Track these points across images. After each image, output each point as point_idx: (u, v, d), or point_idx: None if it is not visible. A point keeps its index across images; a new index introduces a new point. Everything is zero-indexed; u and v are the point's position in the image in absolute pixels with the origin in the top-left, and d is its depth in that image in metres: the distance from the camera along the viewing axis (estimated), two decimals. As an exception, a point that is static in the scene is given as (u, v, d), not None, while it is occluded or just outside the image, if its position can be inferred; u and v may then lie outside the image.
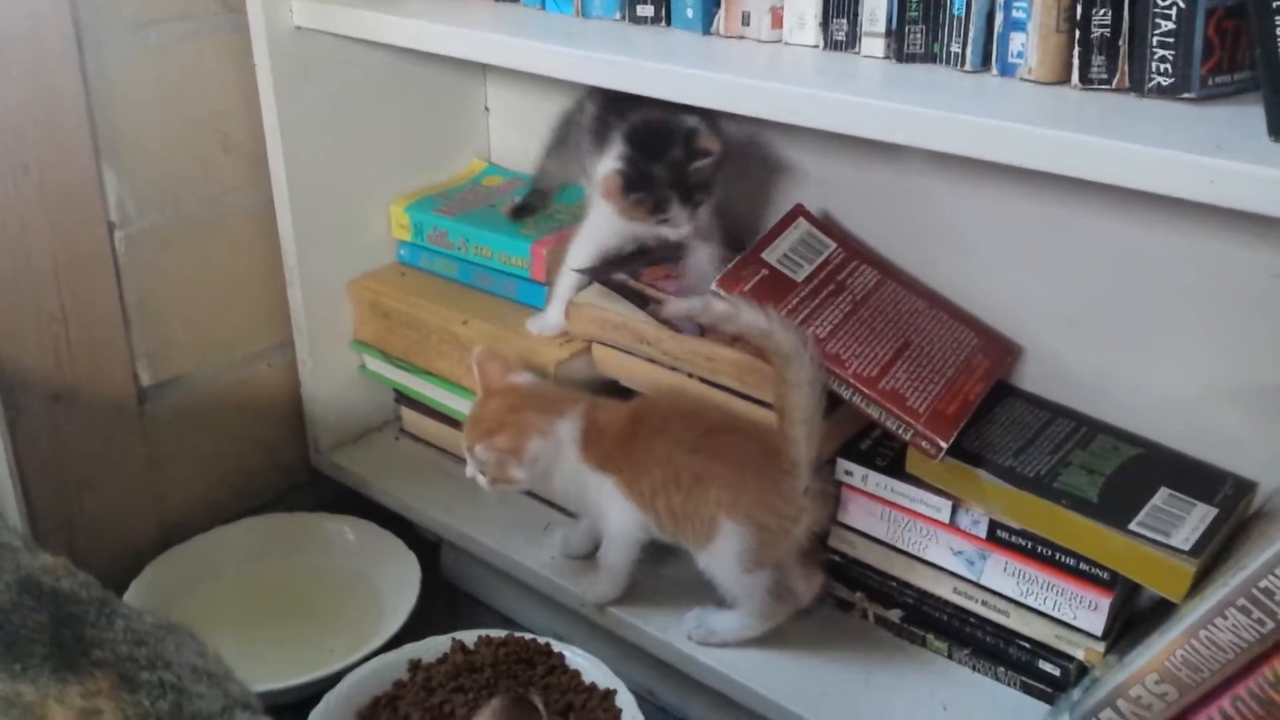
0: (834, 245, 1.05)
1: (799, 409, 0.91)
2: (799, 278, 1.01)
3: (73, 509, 1.16)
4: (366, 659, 1.04)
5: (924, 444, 0.92)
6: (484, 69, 1.33)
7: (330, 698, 0.99)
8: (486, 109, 1.35)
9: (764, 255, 1.01)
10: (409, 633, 1.08)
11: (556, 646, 1.04)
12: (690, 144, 1.00)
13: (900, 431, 0.93)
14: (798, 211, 1.06)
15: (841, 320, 0.99)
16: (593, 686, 1.01)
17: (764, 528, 0.93)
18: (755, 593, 0.97)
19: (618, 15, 1.00)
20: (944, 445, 0.92)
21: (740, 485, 0.93)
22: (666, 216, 1.01)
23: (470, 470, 1.02)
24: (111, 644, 0.68)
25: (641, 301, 1.07)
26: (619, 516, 1.00)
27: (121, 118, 1.12)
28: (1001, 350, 1.03)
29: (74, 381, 1.13)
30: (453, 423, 1.23)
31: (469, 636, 1.05)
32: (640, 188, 1.00)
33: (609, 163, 1.01)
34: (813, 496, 0.94)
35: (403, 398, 1.30)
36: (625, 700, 0.99)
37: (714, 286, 0.98)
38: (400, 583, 1.16)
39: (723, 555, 0.95)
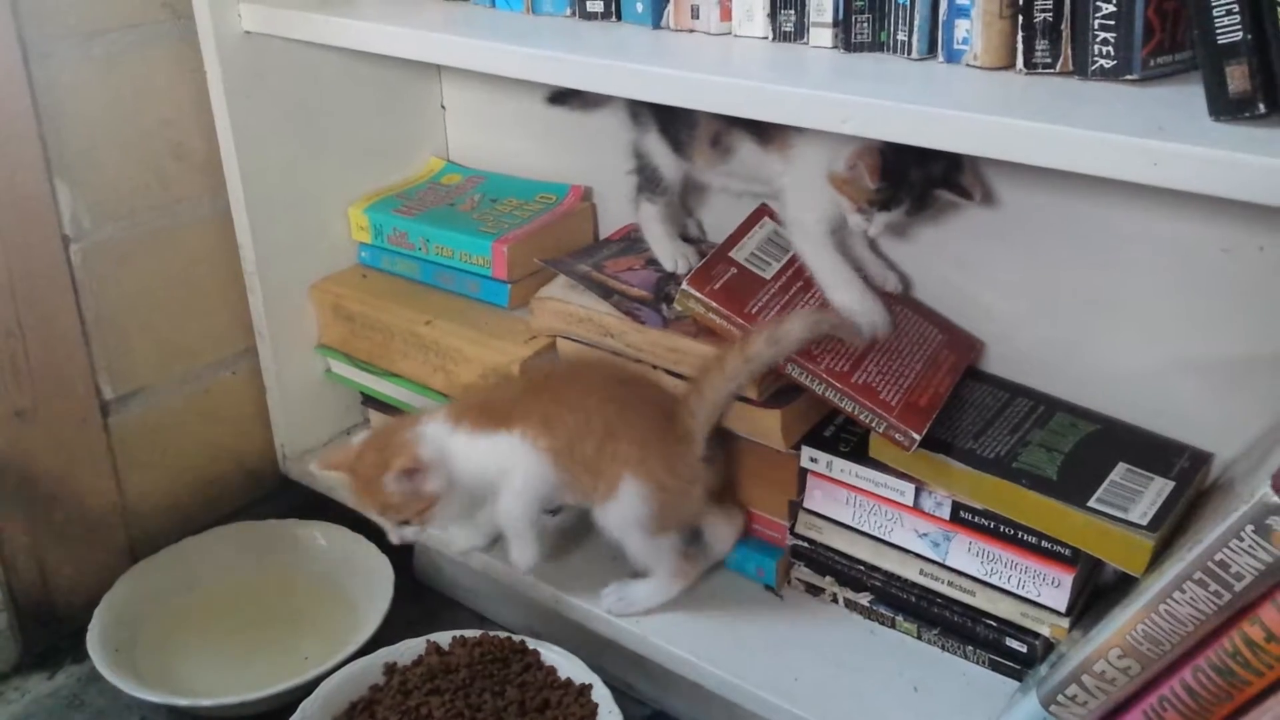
0: None
1: (720, 390, 0.95)
2: (767, 275, 1.02)
3: (41, 525, 1.16)
4: (341, 665, 1.04)
5: (897, 436, 0.93)
6: (438, 67, 1.32)
7: (306, 705, 0.99)
8: (442, 107, 1.35)
9: (732, 254, 1.02)
10: (383, 636, 1.08)
11: (531, 644, 1.05)
12: (953, 169, 0.93)
13: (873, 424, 0.94)
14: (763, 211, 1.06)
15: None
16: (568, 682, 1.02)
17: (665, 489, 0.96)
18: (664, 556, 1.00)
19: (568, 11, 1.00)
20: (917, 438, 0.92)
21: (646, 444, 0.96)
22: (874, 215, 0.94)
23: (393, 533, 1.00)
24: None
25: (605, 293, 1.07)
26: (525, 472, 0.96)
27: (72, 130, 1.11)
28: (965, 346, 1.04)
29: (35, 397, 1.12)
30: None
31: (443, 638, 1.05)
32: (888, 179, 0.91)
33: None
34: (706, 462, 0.98)
35: (370, 400, 1.29)
36: (601, 694, 1.00)
37: (685, 285, 0.99)
38: (373, 586, 1.16)
39: (622, 514, 0.96)
